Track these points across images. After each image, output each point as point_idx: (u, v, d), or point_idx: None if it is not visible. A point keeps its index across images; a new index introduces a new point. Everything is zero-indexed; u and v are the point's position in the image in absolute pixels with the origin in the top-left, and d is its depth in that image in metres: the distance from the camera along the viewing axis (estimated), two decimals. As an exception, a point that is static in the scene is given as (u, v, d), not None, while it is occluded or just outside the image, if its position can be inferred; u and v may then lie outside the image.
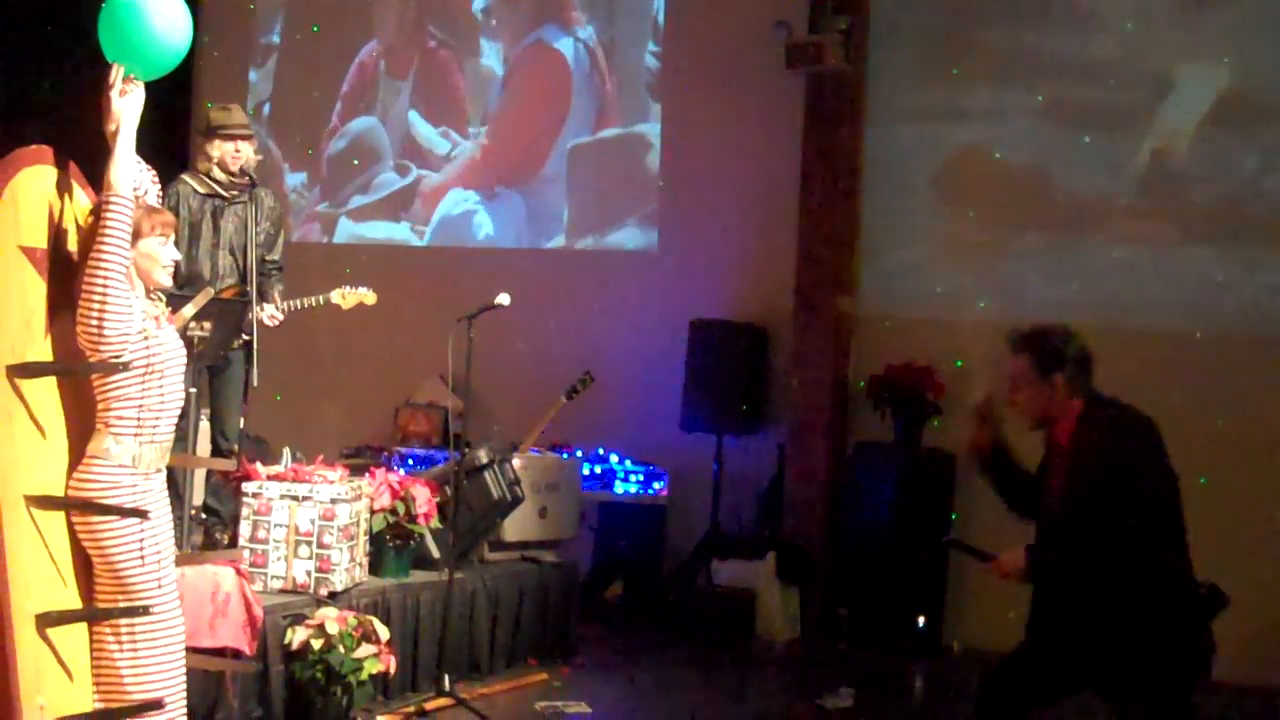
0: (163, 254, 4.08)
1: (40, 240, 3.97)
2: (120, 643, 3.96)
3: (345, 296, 6.77)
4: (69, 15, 8.75)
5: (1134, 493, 4.11)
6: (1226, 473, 7.17)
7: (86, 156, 4.36)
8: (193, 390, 6.45)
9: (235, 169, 6.45)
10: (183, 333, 5.66)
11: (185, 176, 6.56)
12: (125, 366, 3.89)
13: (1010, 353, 4.39)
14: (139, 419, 3.94)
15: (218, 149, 6.45)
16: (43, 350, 3.96)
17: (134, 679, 3.96)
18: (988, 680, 4.32)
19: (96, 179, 4.03)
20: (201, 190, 6.49)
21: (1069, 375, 4.30)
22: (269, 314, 6.40)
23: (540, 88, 9.50)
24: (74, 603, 3.96)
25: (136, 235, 3.99)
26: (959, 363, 7.89)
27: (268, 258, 6.60)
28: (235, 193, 6.48)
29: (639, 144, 9.14)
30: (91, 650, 3.99)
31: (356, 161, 10.01)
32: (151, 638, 3.98)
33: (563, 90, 9.41)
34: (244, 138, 6.48)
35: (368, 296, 6.82)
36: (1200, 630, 4.19)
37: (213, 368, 6.30)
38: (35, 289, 3.95)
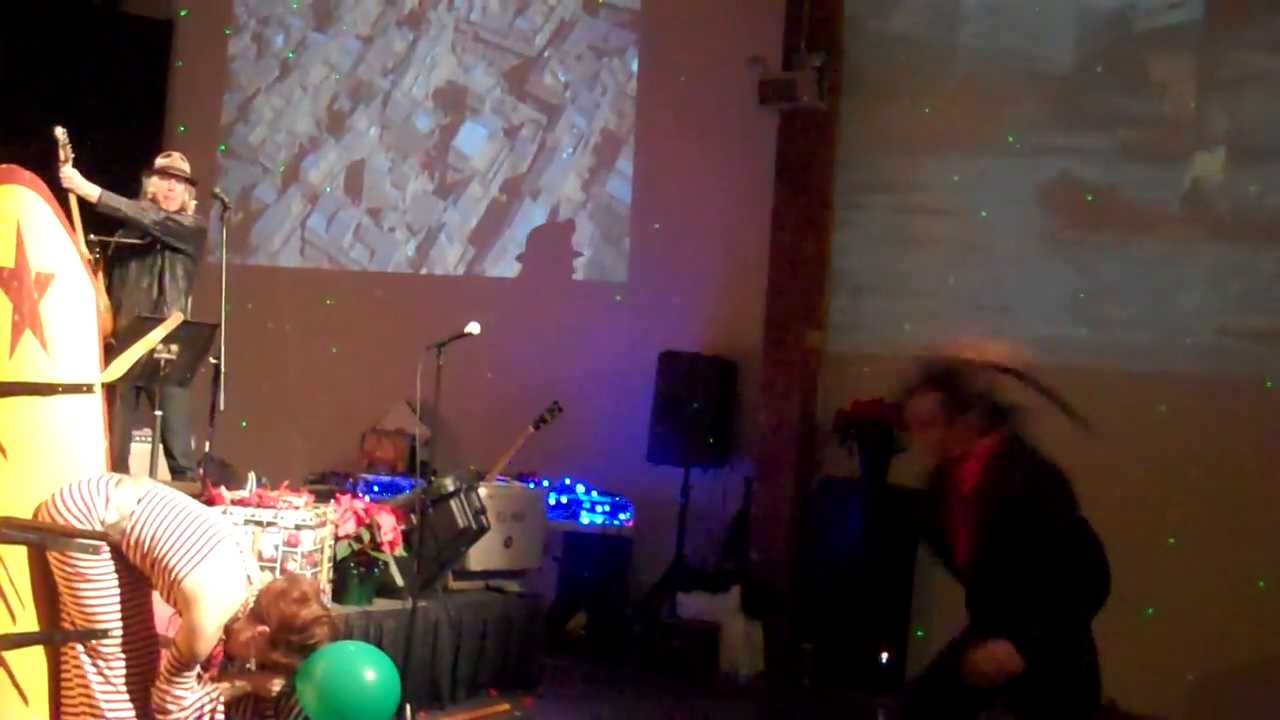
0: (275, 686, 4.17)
1: (7, 259, 3.95)
2: (96, 667, 3.93)
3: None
4: (58, 32, 8.69)
5: (1052, 547, 3.92)
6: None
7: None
8: (158, 413, 6.46)
9: (171, 208, 6.86)
10: (149, 357, 5.66)
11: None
12: (90, 389, 3.87)
13: (917, 389, 4.14)
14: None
15: (154, 186, 6.91)
16: (6, 370, 3.93)
17: (109, 703, 3.94)
18: (903, 709, 4.28)
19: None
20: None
21: (979, 414, 4.05)
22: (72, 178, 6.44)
23: (512, 120, 9.53)
24: (32, 626, 3.91)
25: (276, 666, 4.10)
26: (926, 400, 7.88)
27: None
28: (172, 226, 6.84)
29: (612, 176, 9.17)
30: (63, 674, 3.95)
31: (330, 190, 10.00)
32: (124, 663, 3.95)
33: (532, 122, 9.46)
34: (179, 179, 6.91)
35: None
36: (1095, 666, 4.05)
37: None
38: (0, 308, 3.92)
